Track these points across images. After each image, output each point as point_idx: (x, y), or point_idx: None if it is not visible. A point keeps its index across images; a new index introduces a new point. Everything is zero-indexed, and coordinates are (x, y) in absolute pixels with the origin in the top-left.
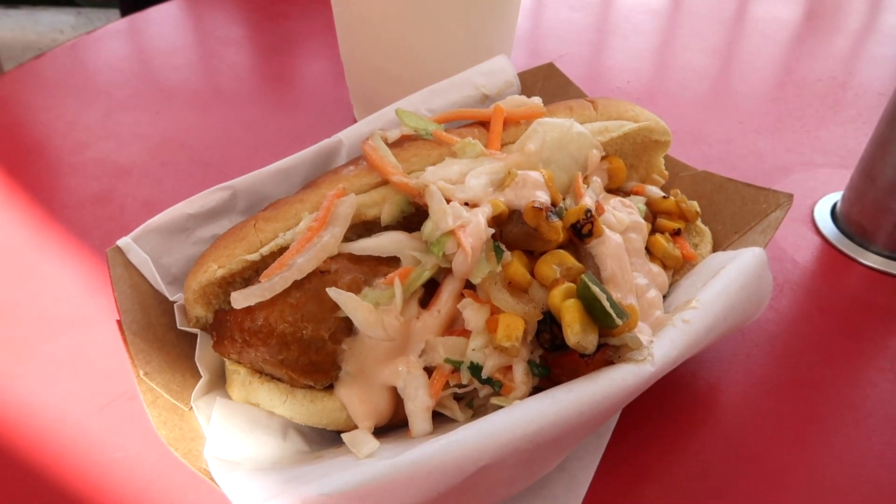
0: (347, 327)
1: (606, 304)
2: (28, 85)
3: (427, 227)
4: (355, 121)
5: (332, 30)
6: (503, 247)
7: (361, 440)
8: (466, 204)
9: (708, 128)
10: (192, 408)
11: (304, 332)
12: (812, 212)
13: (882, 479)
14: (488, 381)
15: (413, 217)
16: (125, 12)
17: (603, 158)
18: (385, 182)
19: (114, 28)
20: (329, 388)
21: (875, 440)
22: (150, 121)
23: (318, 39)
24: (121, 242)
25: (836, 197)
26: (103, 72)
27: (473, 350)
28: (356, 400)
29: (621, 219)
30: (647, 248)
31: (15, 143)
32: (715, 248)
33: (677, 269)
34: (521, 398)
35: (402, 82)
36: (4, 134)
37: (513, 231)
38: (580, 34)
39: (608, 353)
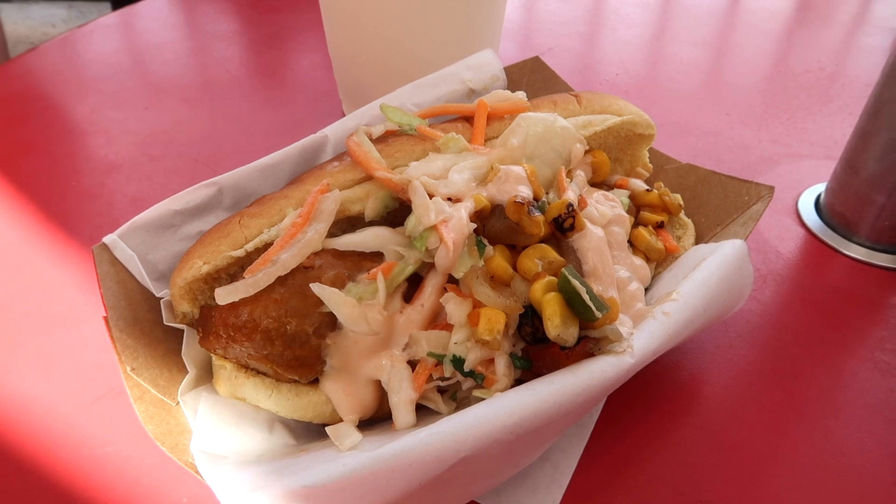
0: (331, 322)
1: (586, 298)
2: (19, 79)
3: (410, 222)
4: (344, 115)
5: (321, 24)
6: (485, 241)
7: (345, 433)
8: (449, 199)
9: (696, 120)
10: (179, 403)
11: (288, 327)
12: (796, 203)
13: (860, 468)
14: (471, 374)
15: (397, 212)
16: (116, 6)
17: (587, 152)
18: (369, 178)
19: (104, 22)
20: (314, 382)
21: (854, 428)
22: (140, 115)
23: (307, 33)
24: (107, 239)
25: (820, 188)
26: (92, 66)
27: (456, 343)
28: (341, 393)
29: (604, 212)
30: (630, 241)
31: (4, 138)
32: (698, 241)
33: (660, 261)
34: (503, 390)
35: (389, 76)
36: None
37: (495, 226)
38: (570, 26)
39: (589, 345)
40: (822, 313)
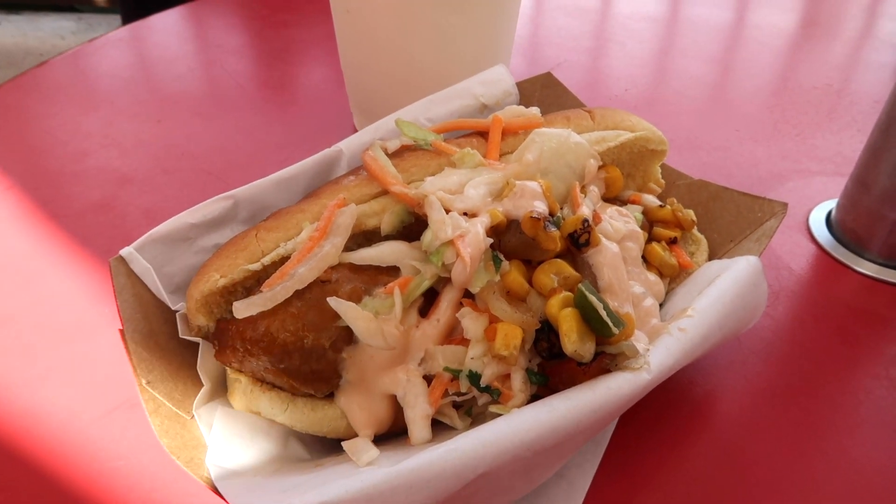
0: (348, 336)
1: (603, 313)
2: (30, 93)
3: (426, 237)
4: (355, 129)
5: (332, 38)
6: (501, 256)
7: (361, 448)
8: (465, 214)
9: (705, 135)
10: (193, 416)
11: (305, 341)
12: (807, 219)
13: (876, 485)
14: (487, 390)
15: (413, 227)
16: (127, 19)
17: (600, 168)
18: (385, 192)
19: (115, 36)
20: (329, 396)
21: (869, 446)
22: (152, 129)
23: (318, 48)
24: (124, 252)
25: (830, 204)
26: (105, 80)
27: (472, 358)
28: (356, 408)
29: (618, 228)
30: (643, 257)
31: (17, 151)
32: (711, 257)
33: (673, 277)
34: (520, 406)
35: (401, 91)
36: (7, 142)
37: (511, 241)
38: (578, 41)
39: (605, 361)
40: (834, 330)
